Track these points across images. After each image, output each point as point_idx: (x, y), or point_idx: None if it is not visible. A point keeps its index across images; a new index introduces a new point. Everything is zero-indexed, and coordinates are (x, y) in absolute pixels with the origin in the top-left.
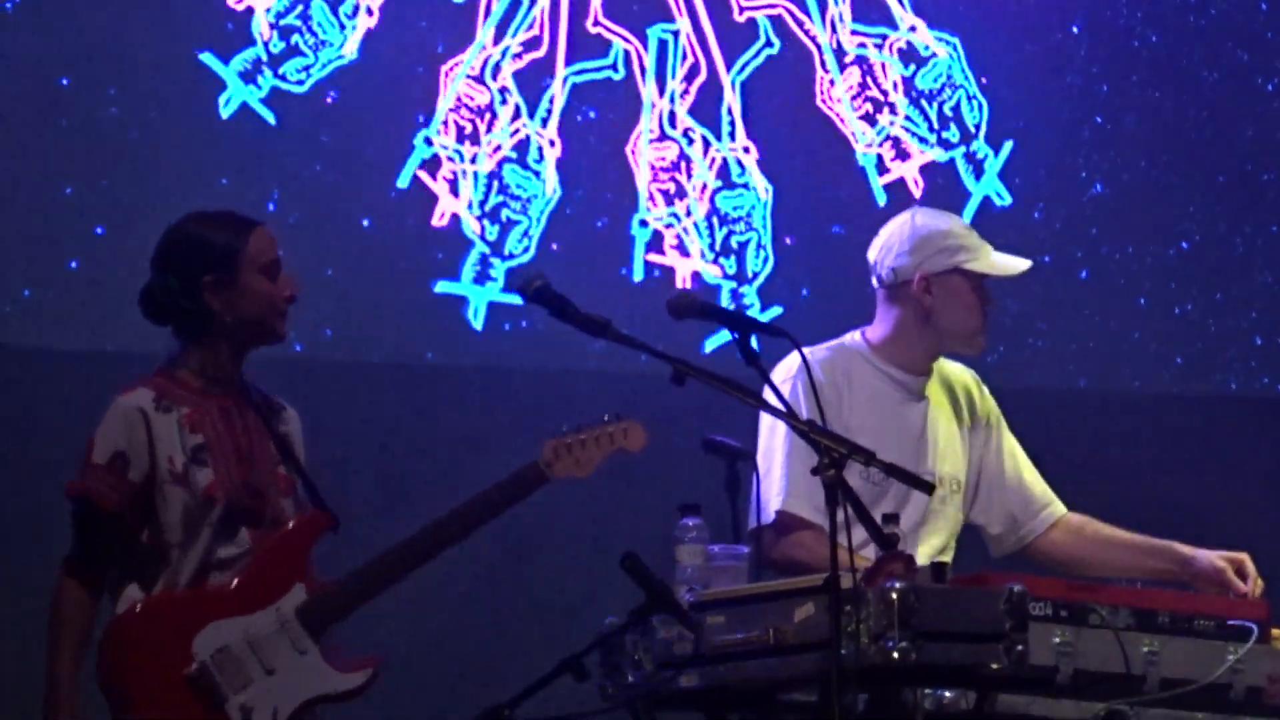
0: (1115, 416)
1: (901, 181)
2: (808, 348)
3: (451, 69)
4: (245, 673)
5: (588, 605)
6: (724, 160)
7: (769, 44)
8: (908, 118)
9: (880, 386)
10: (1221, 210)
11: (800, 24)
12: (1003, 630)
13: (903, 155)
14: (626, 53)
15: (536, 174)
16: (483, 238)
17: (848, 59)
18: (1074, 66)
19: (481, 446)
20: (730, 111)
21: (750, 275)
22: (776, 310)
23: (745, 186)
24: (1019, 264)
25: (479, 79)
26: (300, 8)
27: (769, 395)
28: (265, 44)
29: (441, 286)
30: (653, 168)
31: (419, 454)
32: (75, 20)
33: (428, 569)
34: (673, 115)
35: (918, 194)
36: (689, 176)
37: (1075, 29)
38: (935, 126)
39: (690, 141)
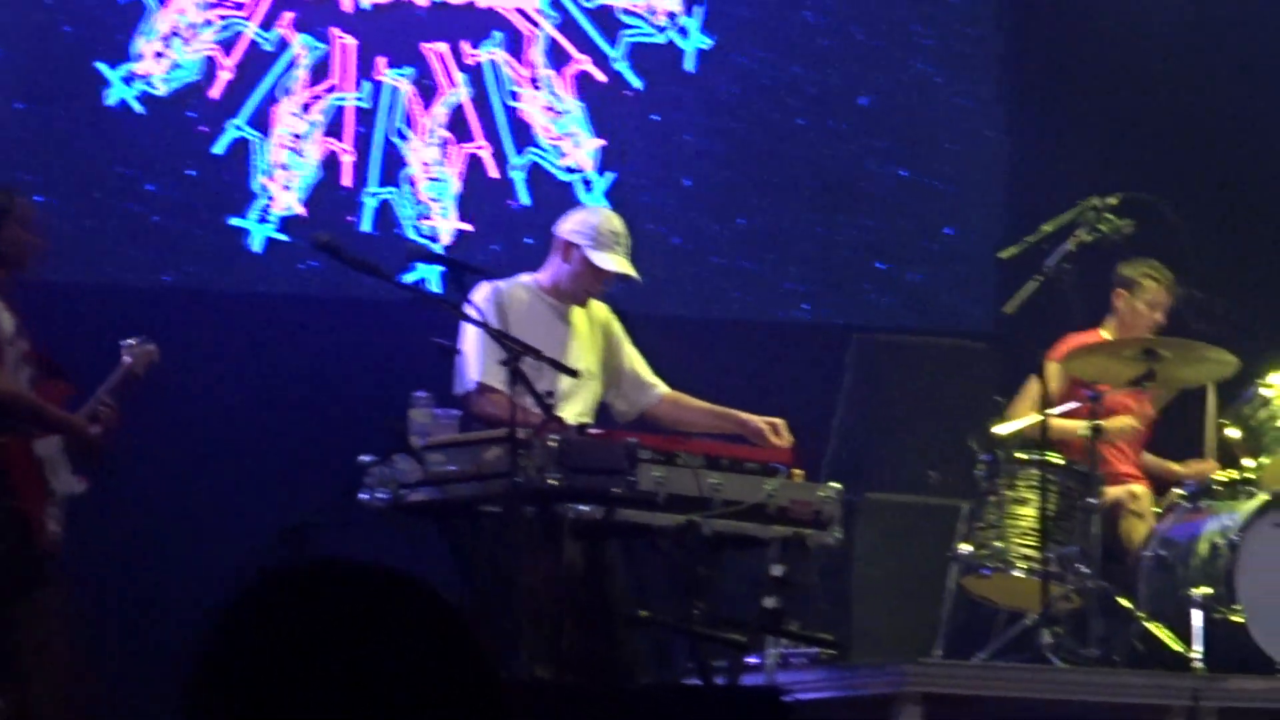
0: (710, 339)
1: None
2: (499, 281)
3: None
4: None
5: (360, 450)
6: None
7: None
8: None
9: (542, 309)
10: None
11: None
12: (622, 467)
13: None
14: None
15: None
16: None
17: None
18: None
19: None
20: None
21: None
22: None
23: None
24: (622, 269)
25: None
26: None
27: (469, 310)
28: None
29: (233, 220)
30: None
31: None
32: None
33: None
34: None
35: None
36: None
37: None
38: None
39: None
